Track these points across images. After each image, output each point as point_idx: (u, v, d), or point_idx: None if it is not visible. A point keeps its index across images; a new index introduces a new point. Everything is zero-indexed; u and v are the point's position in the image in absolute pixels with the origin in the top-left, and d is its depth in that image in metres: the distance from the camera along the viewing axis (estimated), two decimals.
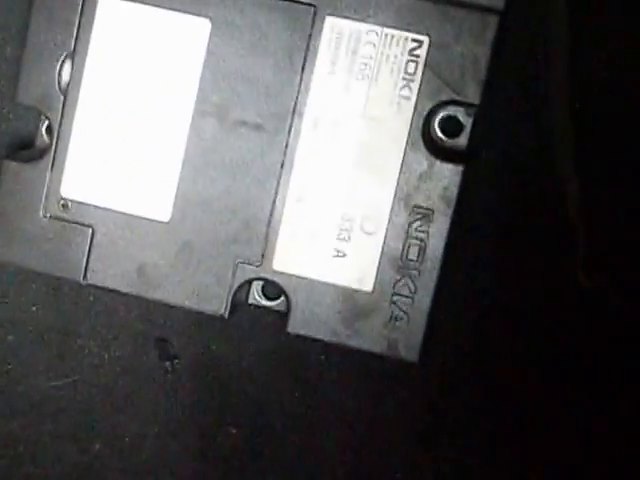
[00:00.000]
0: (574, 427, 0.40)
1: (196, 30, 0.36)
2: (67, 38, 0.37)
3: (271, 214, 0.37)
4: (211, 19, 0.36)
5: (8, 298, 0.41)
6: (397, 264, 0.37)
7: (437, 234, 0.36)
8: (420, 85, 0.36)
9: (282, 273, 0.37)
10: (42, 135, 0.38)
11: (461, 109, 0.37)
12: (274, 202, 0.37)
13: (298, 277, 0.37)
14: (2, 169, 0.38)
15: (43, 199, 0.37)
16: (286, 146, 0.37)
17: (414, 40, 0.36)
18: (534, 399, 0.40)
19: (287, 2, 0.36)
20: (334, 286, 0.37)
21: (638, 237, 0.39)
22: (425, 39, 0.36)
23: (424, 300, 0.37)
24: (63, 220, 0.37)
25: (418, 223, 0.36)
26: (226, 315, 0.37)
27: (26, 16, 0.37)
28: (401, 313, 0.37)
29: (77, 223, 0.37)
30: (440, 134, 0.37)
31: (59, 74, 0.37)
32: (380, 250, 0.37)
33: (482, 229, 0.39)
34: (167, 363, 0.41)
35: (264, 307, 0.38)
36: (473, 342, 0.40)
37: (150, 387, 0.41)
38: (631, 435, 0.39)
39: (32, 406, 0.41)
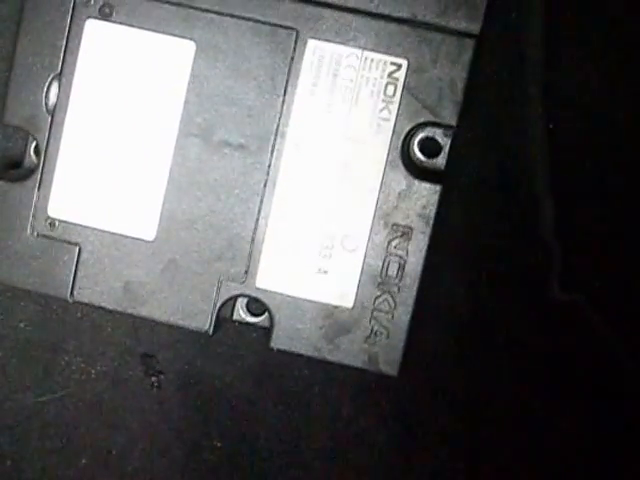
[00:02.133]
0: (552, 436, 0.41)
1: (181, 52, 0.37)
2: (54, 60, 0.38)
3: (254, 232, 0.37)
4: (196, 42, 0.37)
5: None
6: (377, 281, 0.37)
7: (416, 251, 0.37)
8: (399, 107, 0.37)
9: (265, 290, 0.38)
10: (30, 155, 0.39)
11: (439, 130, 0.38)
12: (257, 221, 0.37)
13: (281, 294, 0.38)
14: None
15: (31, 218, 0.38)
16: (269, 166, 0.37)
17: (393, 63, 0.37)
18: (512, 411, 0.41)
19: (270, 26, 0.37)
20: (316, 302, 0.38)
21: (612, 251, 0.40)
22: (404, 62, 0.37)
23: (403, 315, 0.37)
24: (50, 238, 0.38)
25: (397, 241, 0.37)
26: (210, 331, 0.38)
27: (14, 38, 0.38)
28: (381, 328, 0.38)
29: (64, 241, 0.38)
30: (418, 154, 0.38)
31: (46, 95, 0.38)
32: (360, 267, 0.37)
33: (460, 246, 0.40)
34: (153, 378, 0.41)
35: (248, 323, 0.39)
36: (452, 356, 0.40)
37: (136, 402, 0.41)
38: (608, 442, 0.41)
39: (19, 421, 0.42)
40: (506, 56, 0.39)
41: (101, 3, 0.37)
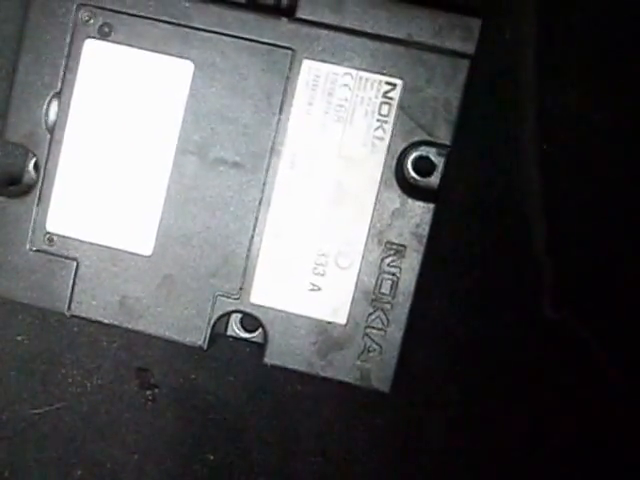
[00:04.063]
0: (545, 452, 0.41)
1: (179, 72, 0.38)
2: (54, 78, 0.38)
3: (249, 249, 0.38)
4: (194, 61, 0.38)
5: None
6: (370, 298, 0.38)
7: (409, 269, 0.38)
8: (393, 126, 0.37)
9: (259, 306, 0.38)
10: (29, 171, 0.40)
11: (433, 149, 0.38)
12: (252, 237, 0.38)
13: (275, 310, 0.38)
14: None
15: (29, 233, 0.39)
16: (264, 184, 0.38)
17: (388, 83, 0.37)
18: (504, 429, 0.41)
19: (266, 46, 0.37)
20: (309, 319, 0.38)
21: (603, 270, 0.40)
22: (398, 82, 0.37)
23: (396, 332, 0.38)
24: (49, 253, 0.38)
25: (391, 258, 0.38)
26: (205, 346, 0.38)
27: (15, 57, 0.38)
28: (374, 345, 0.38)
29: (62, 256, 0.38)
30: (413, 173, 0.38)
31: (46, 113, 0.38)
32: (354, 284, 0.38)
33: (453, 264, 0.40)
34: (148, 392, 0.42)
35: (242, 339, 0.39)
36: (444, 373, 0.41)
37: (131, 415, 0.42)
38: (602, 457, 0.41)
39: (16, 433, 0.42)
40: (500, 76, 0.40)
41: (100, 23, 0.38)
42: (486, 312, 0.40)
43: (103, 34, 0.38)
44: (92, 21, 0.38)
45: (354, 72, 0.37)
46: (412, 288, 0.38)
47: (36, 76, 0.38)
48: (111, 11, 0.38)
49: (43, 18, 0.38)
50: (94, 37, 0.38)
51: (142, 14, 0.38)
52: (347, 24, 0.37)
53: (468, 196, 0.40)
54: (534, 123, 0.39)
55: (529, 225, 0.40)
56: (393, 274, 0.38)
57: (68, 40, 0.38)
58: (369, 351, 0.38)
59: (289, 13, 0.38)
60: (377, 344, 0.38)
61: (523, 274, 0.40)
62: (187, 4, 0.38)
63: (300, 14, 0.37)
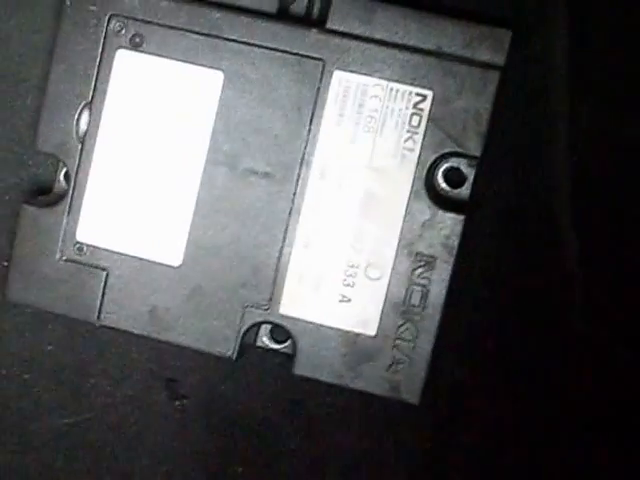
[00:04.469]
0: (574, 468, 0.41)
1: (209, 82, 0.38)
2: (85, 89, 0.38)
3: (279, 260, 0.38)
4: (224, 72, 0.38)
5: (25, 338, 0.42)
6: (400, 309, 0.38)
7: (439, 281, 0.37)
8: (424, 137, 0.37)
9: (289, 317, 0.38)
10: (60, 181, 0.40)
11: (463, 161, 0.38)
12: (282, 248, 0.38)
13: (304, 321, 0.38)
14: (21, 214, 0.39)
15: (59, 243, 0.39)
16: (294, 194, 0.38)
17: (418, 94, 0.37)
18: (532, 443, 0.40)
19: (297, 57, 0.37)
20: (339, 330, 0.38)
21: (634, 284, 0.40)
22: (429, 93, 0.37)
23: (426, 344, 0.38)
24: (78, 263, 0.39)
25: (421, 270, 0.38)
26: (234, 357, 0.38)
27: (47, 67, 0.39)
28: (403, 357, 0.38)
29: (92, 266, 0.39)
30: (443, 184, 0.38)
31: (77, 123, 0.38)
32: (384, 296, 0.38)
33: (483, 276, 0.40)
34: (176, 403, 0.42)
35: (271, 350, 0.39)
36: (473, 385, 0.40)
37: (160, 426, 0.42)
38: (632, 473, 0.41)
39: (46, 442, 0.42)
40: (531, 88, 0.39)
41: (132, 33, 0.38)
42: (516, 325, 0.40)
43: (134, 44, 0.38)
44: (124, 32, 0.38)
45: (384, 83, 0.37)
46: (442, 300, 0.38)
47: (68, 86, 0.38)
48: (142, 22, 0.38)
49: (75, 28, 0.38)
50: (125, 47, 0.38)
51: (173, 25, 0.38)
52: (377, 35, 0.37)
53: (498, 208, 0.40)
54: (565, 134, 0.39)
55: (560, 237, 0.39)
56: (423, 285, 0.38)
57: (100, 50, 0.38)
58: (398, 363, 0.38)
59: (319, 24, 0.38)
60: (406, 356, 0.38)
61: (554, 287, 0.40)
62: (218, 15, 0.38)
63: (330, 25, 0.37)
